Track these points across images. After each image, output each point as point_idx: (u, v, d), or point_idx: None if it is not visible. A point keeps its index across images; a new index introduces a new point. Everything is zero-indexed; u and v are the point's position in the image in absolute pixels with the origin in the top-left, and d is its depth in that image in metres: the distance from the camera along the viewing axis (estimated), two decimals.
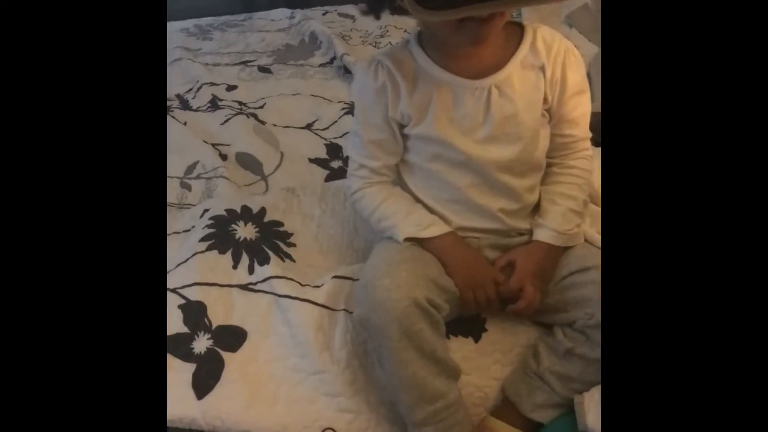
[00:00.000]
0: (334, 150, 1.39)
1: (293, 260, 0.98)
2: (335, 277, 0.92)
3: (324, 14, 2.36)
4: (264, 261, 0.95)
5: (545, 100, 0.84)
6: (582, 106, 0.87)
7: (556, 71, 0.83)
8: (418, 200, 0.88)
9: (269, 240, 1.00)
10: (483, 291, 0.84)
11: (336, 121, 1.50)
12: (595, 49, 1.71)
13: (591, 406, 0.78)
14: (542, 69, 0.82)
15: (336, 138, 1.43)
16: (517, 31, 0.83)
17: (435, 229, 0.85)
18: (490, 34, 0.75)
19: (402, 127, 0.85)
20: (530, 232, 0.88)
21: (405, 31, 2.00)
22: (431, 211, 0.87)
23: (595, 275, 0.82)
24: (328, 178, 1.29)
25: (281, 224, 1.04)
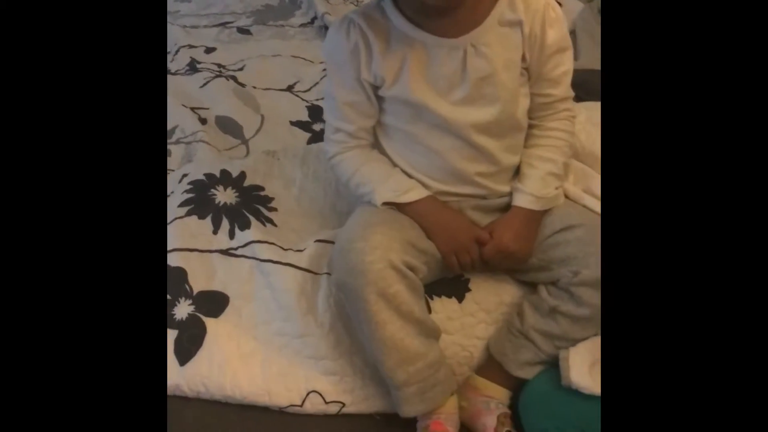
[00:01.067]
0: (315, 112, 1.36)
1: (275, 225, 0.97)
2: (318, 240, 0.91)
3: None
4: (245, 225, 0.93)
5: (524, 58, 0.81)
6: (563, 64, 0.84)
7: (535, 28, 0.80)
8: (396, 165, 0.86)
9: (250, 204, 0.98)
10: (465, 253, 0.83)
11: (317, 83, 1.47)
12: (579, 5, 1.68)
13: (575, 361, 0.78)
14: (520, 26, 0.79)
15: (318, 100, 1.40)
16: None
17: (414, 194, 0.83)
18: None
19: (376, 88, 0.82)
20: (511, 195, 0.86)
21: None
22: (409, 175, 0.85)
23: (579, 233, 0.82)
24: (309, 141, 1.27)
25: (262, 188, 1.02)
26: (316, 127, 1.32)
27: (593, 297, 0.78)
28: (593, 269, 0.78)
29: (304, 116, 1.36)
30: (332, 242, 0.90)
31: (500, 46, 0.79)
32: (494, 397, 0.83)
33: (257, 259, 0.89)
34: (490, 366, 0.85)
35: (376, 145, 0.88)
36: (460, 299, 0.86)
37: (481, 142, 0.83)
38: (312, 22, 1.83)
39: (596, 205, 0.88)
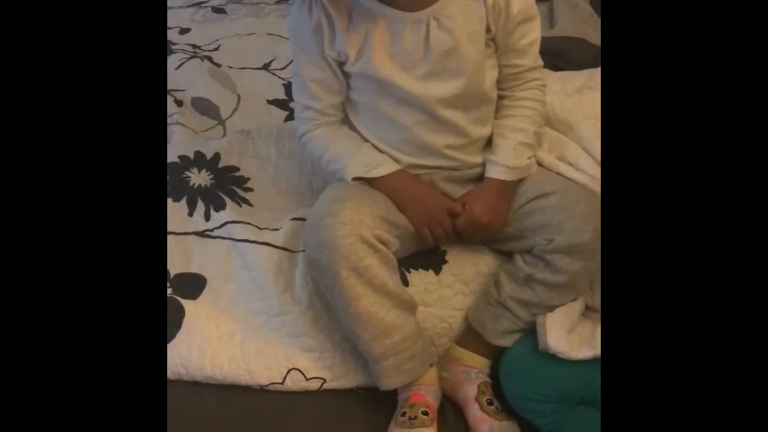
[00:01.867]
0: (292, 89, 1.34)
1: (250, 205, 0.96)
2: (293, 219, 0.91)
3: None
4: (220, 207, 0.93)
5: (488, 29, 0.80)
6: (530, 34, 0.83)
7: None
8: (366, 140, 0.86)
9: (225, 186, 0.97)
10: (438, 225, 0.83)
11: (293, 60, 1.44)
12: None
13: (552, 327, 0.79)
14: None
15: None
16: None
17: (384, 168, 0.83)
18: None
19: (341, 64, 0.82)
20: (484, 165, 0.86)
21: None
22: (380, 150, 0.85)
23: (553, 200, 0.81)
24: (287, 119, 1.25)
25: (237, 169, 1.02)
26: (294, 104, 1.30)
27: (568, 263, 0.78)
28: (567, 236, 0.78)
29: (281, 94, 1.34)
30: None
31: (463, 18, 0.79)
32: (474, 366, 0.84)
33: (233, 239, 0.89)
34: (470, 336, 0.85)
35: (346, 121, 0.88)
36: (438, 271, 0.87)
37: (448, 116, 0.82)
38: None
39: (570, 172, 0.88)
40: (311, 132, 0.87)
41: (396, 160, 0.85)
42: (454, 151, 0.85)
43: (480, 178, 0.86)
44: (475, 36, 0.80)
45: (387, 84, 0.80)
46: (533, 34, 0.84)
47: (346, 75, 0.83)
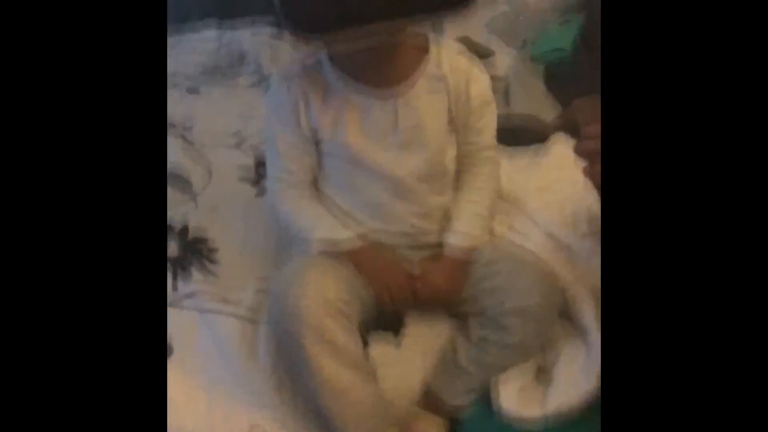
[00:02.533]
0: (264, 167, 1.40)
1: (217, 276, 1.00)
2: (258, 289, 0.94)
3: (253, 32, 2.36)
4: (187, 277, 0.96)
5: (449, 110, 0.88)
6: (486, 116, 0.92)
7: (460, 83, 0.87)
8: (334, 203, 0.91)
9: (192, 257, 1.01)
10: (398, 291, 0.87)
11: (269, 133, 1.51)
12: (512, 53, 1.78)
13: (505, 387, 0.82)
14: (446, 81, 0.87)
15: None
16: (423, 45, 0.88)
17: (347, 233, 0.88)
18: (385, 54, 0.80)
19: (315, 137, 0.88)
20: (440, 235, 0.92)
21: None
22: (346, 215, 0.90)
23: (505, 265, 0.87)
24: (258, 195, 1.31)
25: (205, 240, 1.06)
26: (267, 173, 1.35)
27: (519, 325, 0.83)
28: (517, 299, 0.83)
29: (252, 171, 1.40)
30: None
31: (428, 99, 0.87)
32: (433, 428, 0.86)
33: (199, 309, 0.92)
34: (429, 398, 0.88)
35: (316, 189, 0.93)
36: (397, 335, 0.90)
37: (413, 186, 0.89)
38: (260, 81, 1.89)
39: (521, 241, 0.94)
40: (281, 199, 0.92)
41: (361, 224, 0.90)
42: (416, 220, 0.91)
43: (437, 245, 0.92)
44: (438, 115, 0.88)
45: (358, 156, 0.87)
46: (489, 116, 0.92)
47: (320, 148, 0.89)
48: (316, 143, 0.89)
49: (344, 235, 0.88)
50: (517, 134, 1.34)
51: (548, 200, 0.98)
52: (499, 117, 0.95)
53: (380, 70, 0.84)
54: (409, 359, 0.89)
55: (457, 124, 0.90)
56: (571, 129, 1.15)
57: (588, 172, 0.78)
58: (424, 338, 0.91)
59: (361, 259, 0.88)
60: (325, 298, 0.79)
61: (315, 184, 0.94)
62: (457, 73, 0.87)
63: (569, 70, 1.65)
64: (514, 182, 1.03)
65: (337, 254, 0.88)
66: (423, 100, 0.86)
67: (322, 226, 0.89)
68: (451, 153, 0.92)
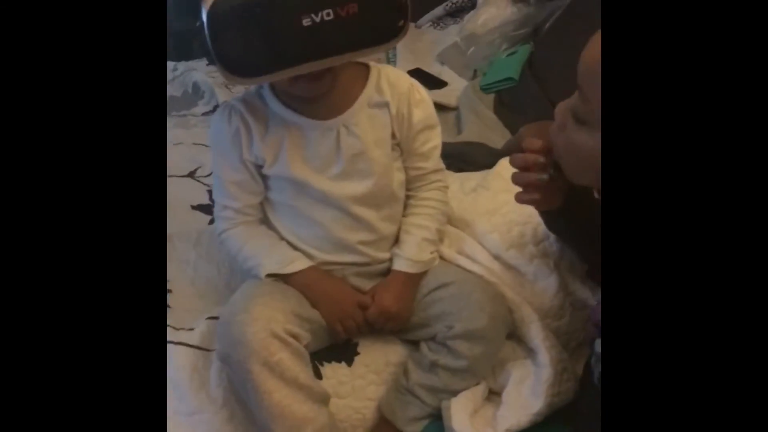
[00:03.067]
0: None
1: (168, 306, 0.99)
2: (209, 318, 0.93)
3: (207, 65, 2.37)
4: None
5: (393, 136, 0.89)
6: (431, 140, 0.92)
7: (402, 108, 0.88)
8: (282, 238, 0.91)
9: None
10: (350, 319, 0.88)
11: (213, 163, 1.51)
12: (464, 83, 1.83)
13: (456, 411, 0.83)
14: (387, 107, 0.88)
15: None
16: (363, 72, 0.88)
17: (297, 264, 0.88)
18: (322, 88, 0.80)
19: (259, 167, 0.88)
20: (391, 261, 0.93)
21: None
22: (295, 247, 0.91)
23: (452, 290, 0.89)
24: (211, 223, 1.30)
25: None
26: (214, 205, 1.35)
27: (468, 348, 0.84)
28: (465, 322, 0.84)
29: (205, 199, 1.39)
30: None
31: (370, 125, 0.87)
32: None
33: None
34: (382, 425, 0.89)
35: (264, 220, 0.93)
36: (350, 363, 0.91)
37: (361, 213, 0.89)
38: (214, 110, 1.90)
39: (468, 264, 0.96)
40: (229, 230, 0.92)
41: (311, 256, 0.90)
42: (366, 247, 0.91)
43: (387, 272, 0.93)
44: (381, 142, 0.88)
45: (303, 185, 0.87)
46: (434, 140, 0.93)
47: (264, 177, 0.89)
48: (260, 174, 0.89)
49: (293, 267, 0.88)
50: (467, 160, 1.38)
51: (496, 223, 1.00)
52: (449, 144, 0.97)
53: (320, 101, 0.84)
54: (363, 387, 0.90)
55: (402, 150, 0.91)
56: (518, 153, 1.18)
57: (522, 199, 0.80)
58: (378, 365, 0.91)
59: (310, 290, 0.88)
60: (272, 323, 0.79)
61: (263, 218, 0.93)
62: (399, 97, 0.88)
63: (517, 98, 1.71)
64: (463, 207, 1.06)
65: (287, 281, 0.88)
66: (365, 127, 0.86)
67: (270, 260, 0.89)
68: (398, 178, 0.92)
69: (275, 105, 0.86)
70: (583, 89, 0.64)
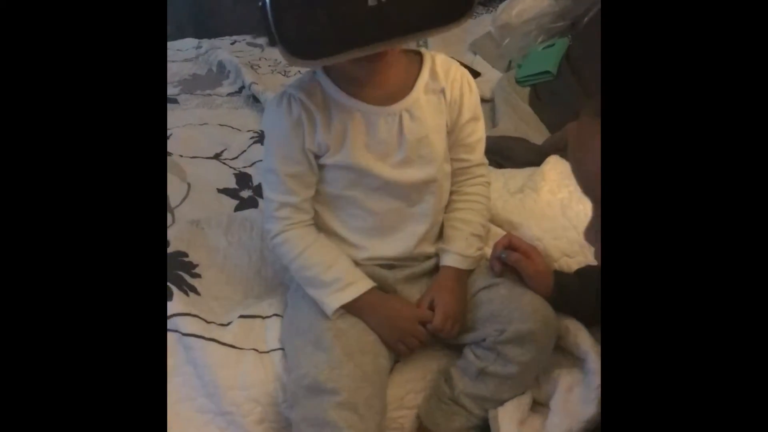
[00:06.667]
0: (243, 179, 1.36)
1: (198, 293, 0.94)
2: (241, 317, 0.89)
3: (232, 44, 2.33)
4: (167, 297, 0.91)
5: (446, 123, 0.86)
6: (477, 132, 0.89)
7: (455, 95, 0.85)
8: (333, 230, 0.87)
9: (172, 272, 0.95)
10: (411, 338, 0.84)
11: (245, 150, 1.47)
12: (497, 74, 1.78)
13: (504, 420, 0.79)
14: (443, 93, 0.85)
15: (245, 167, 1.40)
16: (416, 58, 0.86)
17: (354, 289, 0.83)
18: (383, 68, 0.77)
19: (318, 157, 0.84)
20: (436, 256, 0.89)
21: None
22: (344, 241, 0.87)
23: (502, 290, 0.84)
24: (237, 208, 1.26)
25: (186, 255, 1.00)
26: (244, 194, 1.31)
27: (519, 354, 0.80)
28: (517, 325, 0.80)
29: (232, 183, 1.35)
30: (258, 316, 0.89)
31: (430, 110, 0.84)
32: None
33: (180, 332, 0.86)
34: None
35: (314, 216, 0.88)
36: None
37: (418, 201, 0.87)
38: (239, 91, 1.85)
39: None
40: (285, 233, 0.86)
41: (360, 249, 0.87)
42: (419, 239, 0.88)
43: (430, 273, 0.88)
44: (439, 128, 0.86)
45: (363, 172, 0.83)
46: (480, 132, 0.90)
47: (321, 167, 0.84)
48: (318, 164, 0.84)
49: (352, 293, 0.83)
50: (506, 156, 1.33)
51: (545, 228, 0.95)
52: (488, 138, 0.93)
53: (381, 87, 0.81)
54: (402, 396, 0.85)
55: (450, 140, 0.88)
56: (560, 151, 1.13)
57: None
58: (416, 373, 0.86)
59: (370, 315, 0.83)
60: (358, 401, 0.75)
61: (314, 219, 0.88)
62: (452, 84, 0.85)
63: (554, 92, 1.65)
64: (508, 208, 1.00)
65: (346, 308, 0.83)
66: (426, 112, 0.84)
67: (328, 286, 0.83)
68: (446, 169, 0.89)
69: (335, 91, 0.82)
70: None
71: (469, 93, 0.87)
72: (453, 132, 0.87)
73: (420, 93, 0.83)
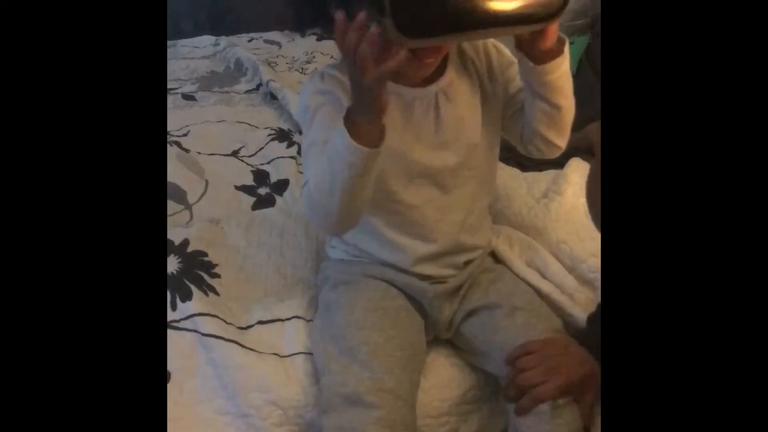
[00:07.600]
0: (261, 177, 1.35)
1: (217, 293, 0.94)
2: (260, 323, 0.89)
3: (249, 41, 2.33)
4: (186, 296, 0.90)
5: (486, 97, 0.84)
6: (516, 78, 0.84)
7: (482, 59, 0.84)
8: (372, 226, 0.85)
9: (192, 271, 0.95)
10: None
11: (263, 148, 1.47)
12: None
13: None
14: (474, 64, 0.84)
15: (263, 164, 1.40)
16: None
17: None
18: (432, 65, 0.76)
19: None
20: (480, 248, 0.89)
21: (331, 57, 1.99)
22: (389, 243, 0.86)
23: (521, 318, 0.84)
24: (255, 206, 1.26)
25: (205, 254, 1.00)
26: (262, 191, 1.31)
27: None
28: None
29: (250, 180, 1.35)
30: (276, 320, 0.89)
31: (463, 90, 0.83)
32: None
33: (199, 332, 0.86)
34: None
35: None
36: None
37: (453, 186, 0.84)
38: (257, 88, 1.85)
39: (536, 280, 0.90)
40: None
41: (407, 250, 0.85)
42: (461, 229, 0.87)
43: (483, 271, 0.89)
44: (474, 108, 0.84)
45: (399, 156, 0.81)
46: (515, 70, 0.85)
47: None
48: None
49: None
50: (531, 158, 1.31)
51: (569, 231, 0.94)
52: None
53: (415, 68, 0.77)
54: (425, 402, 0.84)
55: (497, 90, 0.85)
56: (588, 153, 1.10)
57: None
58: (443, 378, 0.86)
59: None
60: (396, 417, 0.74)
61: None
62: (478, 52, 0.84)
63: (574, 90, 1.63)
64: (533, 213, 0.99)
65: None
66: (460, 92, 0.82)
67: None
68: (489, 156, 0.87)
69: None
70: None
71: (496, 52, 0.85)
72: (506, 89, 0.85)
73: (453, 72, 0.82)
